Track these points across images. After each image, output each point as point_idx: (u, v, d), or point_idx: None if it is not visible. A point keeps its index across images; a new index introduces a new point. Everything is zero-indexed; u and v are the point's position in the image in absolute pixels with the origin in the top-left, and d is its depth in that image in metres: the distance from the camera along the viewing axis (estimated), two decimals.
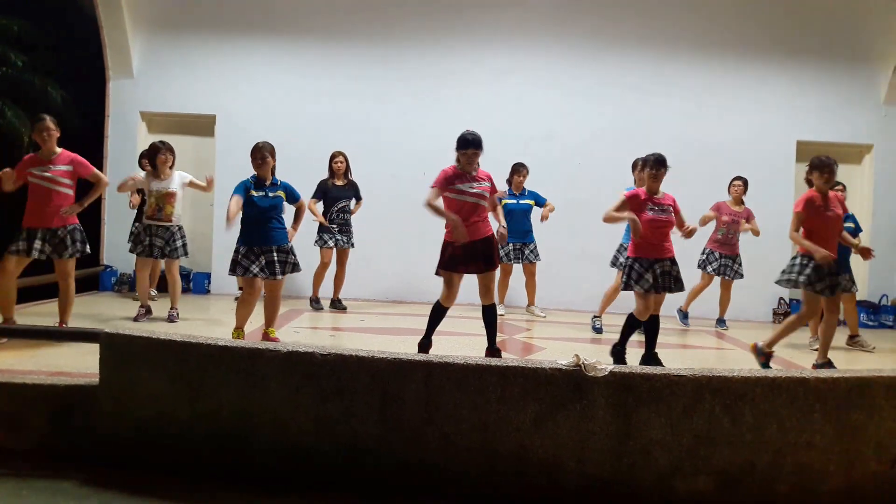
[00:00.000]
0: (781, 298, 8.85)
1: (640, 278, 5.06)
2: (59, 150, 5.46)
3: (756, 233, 7.39)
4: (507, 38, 9.10)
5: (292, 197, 5.39)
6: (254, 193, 5.16)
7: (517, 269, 7.85)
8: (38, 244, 5.28)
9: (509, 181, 7.76)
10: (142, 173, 6.65)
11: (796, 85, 9.07)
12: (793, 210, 5.38)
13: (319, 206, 7.56)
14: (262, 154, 5.22)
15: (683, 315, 7.63)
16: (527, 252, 7.71)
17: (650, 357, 5.10)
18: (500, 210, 7.52)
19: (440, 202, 4.90)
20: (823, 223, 5.27)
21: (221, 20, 9.15)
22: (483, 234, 4.94)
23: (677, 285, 5.10)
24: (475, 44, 9.12)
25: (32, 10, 11.82)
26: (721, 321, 7.74)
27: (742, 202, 7.53)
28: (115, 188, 6.67)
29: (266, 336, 5.31)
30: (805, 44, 9.07)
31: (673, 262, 5.11)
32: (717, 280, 7.53)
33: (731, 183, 7.56)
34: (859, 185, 9.07)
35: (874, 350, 6.53)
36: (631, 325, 5.20)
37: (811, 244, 5.19)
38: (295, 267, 5.30)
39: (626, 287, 5.16)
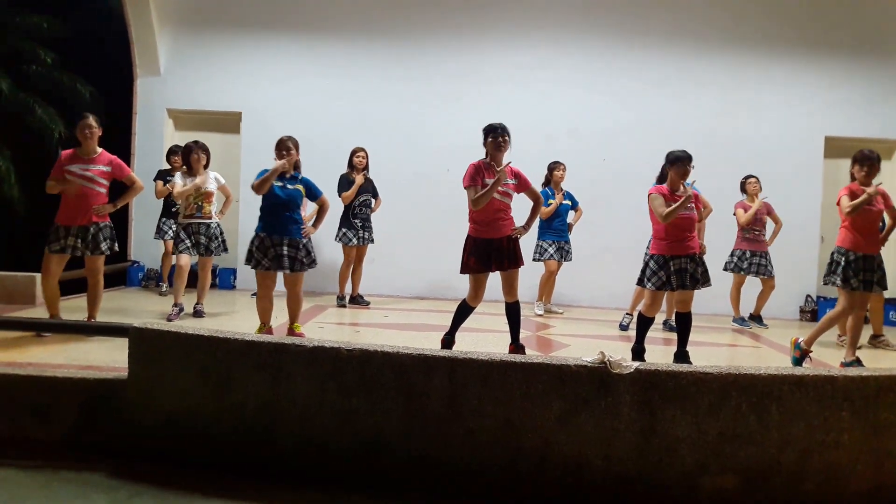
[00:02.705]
0: (808, 296, 8.74)
1: (652, 275, 5.05)
2: (99, 149, 5.51)
3: (777, 222, 7.29)
4: (529, 34, 9.08)
5: (313, 194, 5.36)
6: (274, 183, 5.15)
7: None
8: (71, 241, 5.36)
9: (547, 181, 7.68)
10: (178, 176, 6.69)
11: (824, 80, 8.95)
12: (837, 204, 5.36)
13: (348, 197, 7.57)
14: (286, 146, 5.22)
15: (741, 320, 7.60)
16: (566, 251, 7.69)
17: (681, 355, 5.06)
18: (545, 210, 7.45)
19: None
20: (862, 217, 5.24)
21: (246, 18, 9.23)
22: (506, 232, 4.89)
23: (694, 283, 5.02)
24: (498, 40, 9.10)
25: (61, 8, 12.01)
26: (758, 318, 7.69)
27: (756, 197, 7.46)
28: (175, 193, 6.61)
29: (291, 332, 5.33)
30: (833, 38, 8.94)
31: (692, 259, 5.03)
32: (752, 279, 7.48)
33: (746, 181, 7.47)
34: (889, 181, 8.88)
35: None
36: (643, 322, 5.17)
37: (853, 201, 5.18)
38: (310, 263, 5.25)
39: (639, 282, 5.18)
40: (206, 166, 6.59)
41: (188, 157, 6.53)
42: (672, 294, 6.35)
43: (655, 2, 9.04)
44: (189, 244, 6.47)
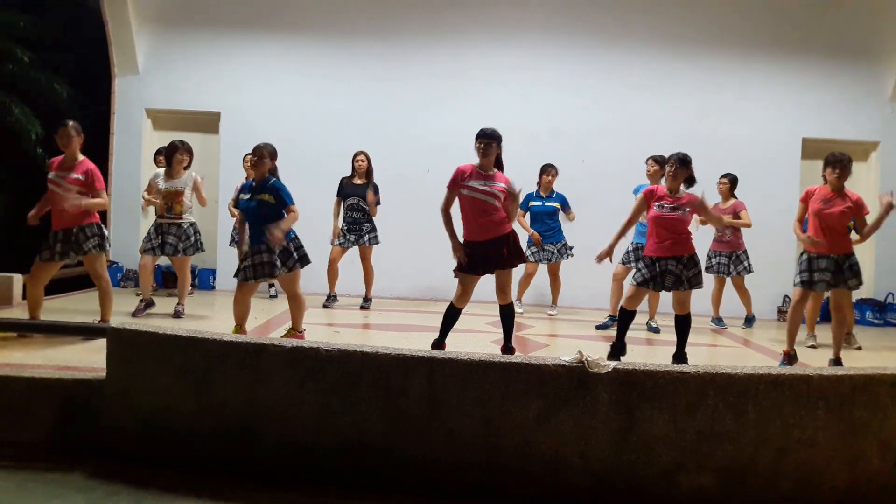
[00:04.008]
0: (786, 296, 8.84)
1: (637, 271, 5.19)
2: (81, 157, 5.42)
3: (745, 225, 7.36)
4: (511, 36, 9.10)
5: (282, 201, 5.03)
6: (242, 197, 5.17)
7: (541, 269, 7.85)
8: (58, 247, 5.30)
9: (538, 182, 7.75)
10: (159, 174, 6.65)
11: (802, 82, 9.06)
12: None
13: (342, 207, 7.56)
14: (258, 153, 5.09)
15: (717, 320, 7.67)
16: (553, 252, 7.70)
17: (679, 356, 5.11)
18: (522, 218, 7.55)
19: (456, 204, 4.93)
20: (821, 221, 5.35)
21: (226, 17, 9.17)
22: (495, 235, 4.88)
23: (678, 285, 5.04)
24: (480, 41, 9.11)
25: (38, 6, 11.87)
26: (748, 319, 7.77)
27: (731, 198, 7.50)
28: (144, 193, 6.61)
29: (292, 334, 5.21)
30: (810, 40, 9.05)
31: (680, 261, 5.04)
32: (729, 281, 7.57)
33: (718, 182, 7.55)
34: (865, 182, 9.03)
35: (860, 349, 6.48)
36: (623, 315, 5.21)
37: (798, 232, 5.44)
38: (297, 262, 5.14)
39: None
40: (186, 167, 6.55)
41: (171, 157, 6.47)
42: (655, 295, 6.42)
43: (635, 4, 9.10)
44: (154, 244, 6.44)
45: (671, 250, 5.04)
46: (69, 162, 5.39)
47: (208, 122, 9.23)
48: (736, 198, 7.51)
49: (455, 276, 4.97)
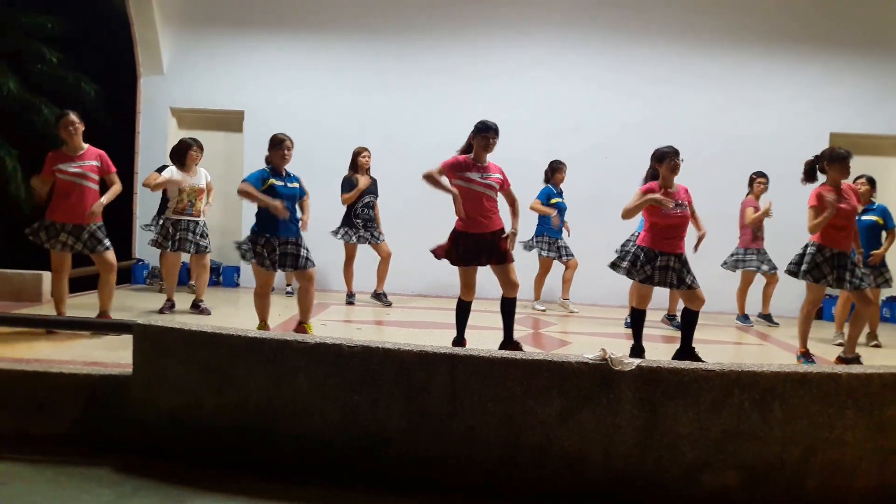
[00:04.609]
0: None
1: (640, 268, 5.00)
2: (85, 145, 5.47)
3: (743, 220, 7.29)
4: (530, 33, 9.06)
5: (302, 191, 5.39)
6: (275, 182, 5.11)
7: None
8: (64, 237, 5.34)
9: (548, 180, 7.72)
10: (173, 171, 6.71)
11: (829, 75, 8.90)
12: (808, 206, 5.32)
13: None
14: (287, 146, 5.18)
15: (744, 318, 7.60)
16: (567, 249, 7.70)
17: (685, 352, 4.98)
18: (540, 206, 7.52)
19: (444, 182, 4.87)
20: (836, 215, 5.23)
21: (249, 17, 9.24)
22: (493, 228, 4.88)
23: (680, 283, 4.95)
24: (499, 37, 9.09)
25: (65, 8, 12.03)
26: (766, 316, 7.70)
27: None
28: (142, 183, 6.76)
29: (301, 329, 5.26)
30: (837, 33, 8.89)
31: (679, 258, 4.97)
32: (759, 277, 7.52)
33: (755, 180, 7.45)
34: (894, 178, 8.87)
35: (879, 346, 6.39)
36: (635, 316, 5.15)
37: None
38: (308, 261, 5.21)
39: (613, 265, 5.16)
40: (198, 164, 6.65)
41: (185, 155, 6.51)
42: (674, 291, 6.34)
43: (653, 1, 9.01)
44: (176, 239, 6.47)
45: (674, 247, 4.97)
46: (74, 151, 5.41)
47: (232, 121, 9.31)
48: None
49: (449, 260, 4.91)
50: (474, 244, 4.84)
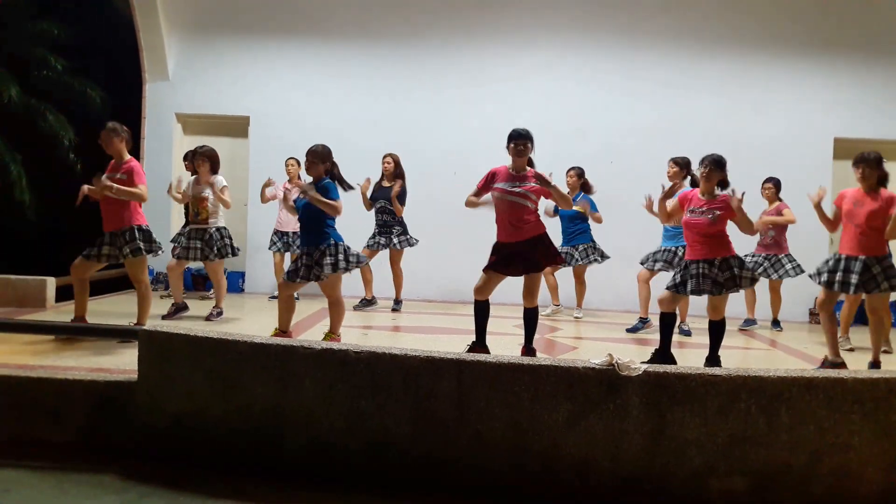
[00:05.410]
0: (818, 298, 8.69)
1: (673, 276, 5.13)
2: (128, 157, 5.46)
3: (788, 221, 7.24)
4: (536, 37, 9.09)
5: (330, 197, 5.16)
6: (298, 197, 5.24)
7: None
8: (106, 249, 5.34)
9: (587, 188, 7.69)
10: (185, 178, 6.79)
11: (834, 80, 8.90)
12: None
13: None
14: (308, 155, 5.22)
15: (750, 322, 7.59)
16: (576, 255, 7.64)
17: (711, 359, 5.04)
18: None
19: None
20: (845, 217, 5.27)
21: (254, 23, 9.28)
22: (526, 236, 4.86)
23: (716, 288, 4.91)
24: (506, 43, 9.12)
25: (71, 14, 12.11)
26: (775, 322, 7.67)
27: (777, 200, 7.41)
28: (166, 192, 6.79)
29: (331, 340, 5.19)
30: (842, 37, 8.89)
31: (713, 264, 4.91)
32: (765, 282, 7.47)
33: (762, 186, 7.46)
34: None
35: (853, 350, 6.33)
36: (662, 321, 5.16)
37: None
38: (347, 267, 5.13)
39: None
40: (214, 171, 6.60)
41: (192, 163, 6.62)
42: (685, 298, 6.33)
43: (661, 3, 9.02)
44: (183, 246, 6.54)
45: (702, 253, 4.97)
46: (118, 162, 5.45)
47: (238, 127, 9.34)
48: (781, 200, 7.40)
49: (484, 272, 4.95)
50: (508, 253, 4.87)
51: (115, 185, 5.23)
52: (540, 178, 4.82)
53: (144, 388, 3.78)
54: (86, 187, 5.36)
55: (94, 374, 4.07)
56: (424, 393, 3.40)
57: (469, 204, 5.04)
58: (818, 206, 5.46)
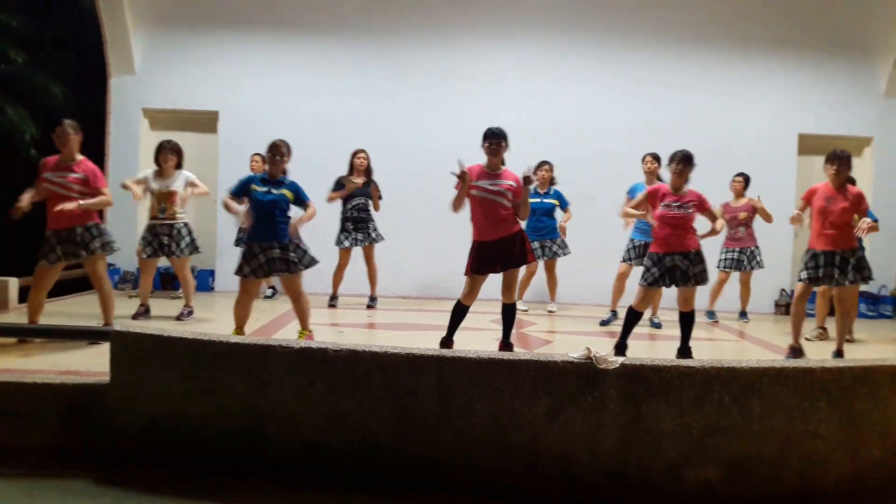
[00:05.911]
0: (783, 290, 8.90)
1: (646, 271, 5.22)
2: (80, 157, 5.35)
3: (766, 217, 7.39)
4: (515, 35, 9.10)
5: (300, 199, 5.22)
6: (255, 188, 5.10)
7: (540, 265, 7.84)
8: (60, 248, 5.22)
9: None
10: (148, 174, 6.60)
11: (797, 79, 9.11)
12: None
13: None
14: (279, 152, 5.18)
15: (709, 313, 7.72)
16: (549, 249, 7.69)
17: (683, 351, 5.17)
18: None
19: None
20: (817, 213, 5.44)
21: (223, 16, 9.14)
22: (505, 234, 4.91)
23: (685, 280, 5.10)
24: (483, 40, 9.12)
25: (32, 7, 11.80)
26: (742, 314, 7.86)
27: (743, 196, 7.58)
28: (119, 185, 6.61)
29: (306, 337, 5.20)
30: (805, 38, 9.10)
31: (687, 257, 5.11)
32: (735, 275, 7.67)
33: (733, 178, 7.62)
34: (860, 178, 9.04)
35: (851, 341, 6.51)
36: (630, 315, 5.25)
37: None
38: (308, 263, 5.17)
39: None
40: (178, 166, 6.49)
41: (157, 157, 6.44)
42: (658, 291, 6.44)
43: (633, 3, 9.12)
44: (153, 246, 6.39)
45: (678, 246, 5.12)
46: (67, 161, 5.31)
47: (206, 122, 9.20)
48: (746, 196, 7.57)
49: (466, 275, 4.99)
50: (487, 251, 4.90)
51: (82, 201, 5.18)
52: (526, 180, 4.89)
53: (118, 390, 3.71)
54: (24, 201, 5.18)
55: (63, 378, 3.98)
56: (405, 390, 3.41)
57: (456, 206, 4.96)
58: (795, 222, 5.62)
